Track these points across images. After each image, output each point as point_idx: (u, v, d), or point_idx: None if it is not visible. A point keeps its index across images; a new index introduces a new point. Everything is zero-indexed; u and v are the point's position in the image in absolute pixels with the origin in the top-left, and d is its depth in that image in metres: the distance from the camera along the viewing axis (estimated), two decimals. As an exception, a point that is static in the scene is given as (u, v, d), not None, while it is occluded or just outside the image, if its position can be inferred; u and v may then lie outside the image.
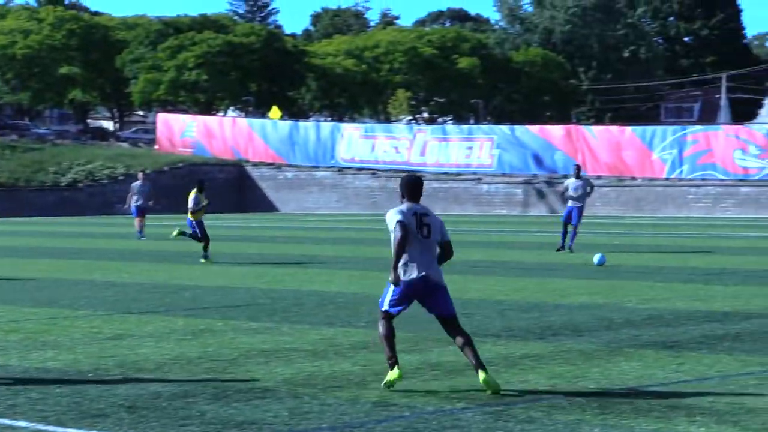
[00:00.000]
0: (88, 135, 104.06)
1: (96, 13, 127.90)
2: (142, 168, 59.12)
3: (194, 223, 33.37)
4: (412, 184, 13.38)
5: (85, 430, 11.16)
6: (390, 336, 13.21)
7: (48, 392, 13.05)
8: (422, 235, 13.12)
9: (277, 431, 11.11)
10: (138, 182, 46.47)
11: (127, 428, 11.23)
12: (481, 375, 12.80)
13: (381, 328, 13.26)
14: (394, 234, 12.99)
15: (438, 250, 13.28)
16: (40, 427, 11.30)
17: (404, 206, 13.24)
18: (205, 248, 32.80)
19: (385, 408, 12.15)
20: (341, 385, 13.46)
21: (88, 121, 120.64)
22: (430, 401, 12.49)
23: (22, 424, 11.43)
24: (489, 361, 14.98)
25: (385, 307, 13.21)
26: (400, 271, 13.01)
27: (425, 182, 60.35)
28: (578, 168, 38.17)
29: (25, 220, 64.14)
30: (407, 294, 13.12)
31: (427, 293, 13.16)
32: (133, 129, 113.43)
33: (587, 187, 36.92)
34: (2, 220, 62.97)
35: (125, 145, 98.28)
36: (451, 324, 13.27)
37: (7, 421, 11.53)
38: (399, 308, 13.19)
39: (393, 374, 12.92)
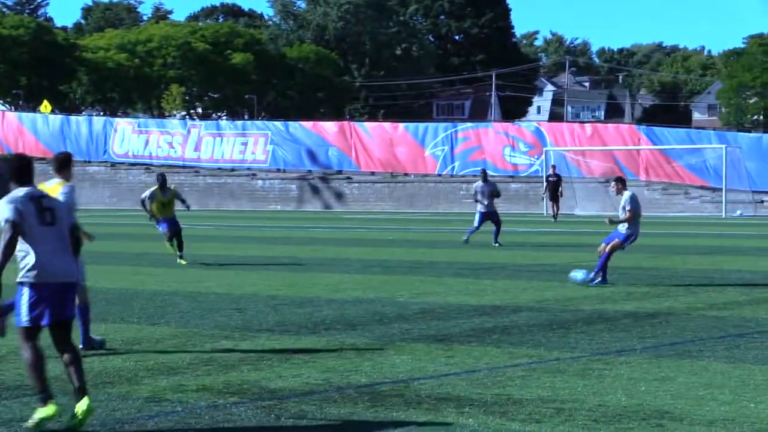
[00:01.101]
0: None
1: None
2: None
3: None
4: (21, 165, 11.04)
5: None
6: (38, 363, 10.92)
7: None
8: (45, 222, 10.94)
9: (46, 429, 10.93)
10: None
11: None
12: (84, 403, 10.82)
13: (25, 353, 10.94)
14: (3, 234, 10.70)
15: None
16: None
17: (18, 192, 10.89)
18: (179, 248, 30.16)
19: (157, 404, 12.05)
20: (112, 381, 13.31)
21: None
22: (203, 396, 12.44)
23: None
24: (262, 357, 15.02)
25: (25, 323, 10.92)
26: (28, 273, 10.83)
27: (200, 178, 59.81)
28: (485, 172, 39.49)
29: None
30: (44, 296, 10.89)
31: (62, 291, 11.05)
32: None
33: (494, 190, 38.41)
34: None
35: None
36: (65, 330, 11.14)
37: None
38: (44, 318, 10.92)
39: (46, 411, 10.76)
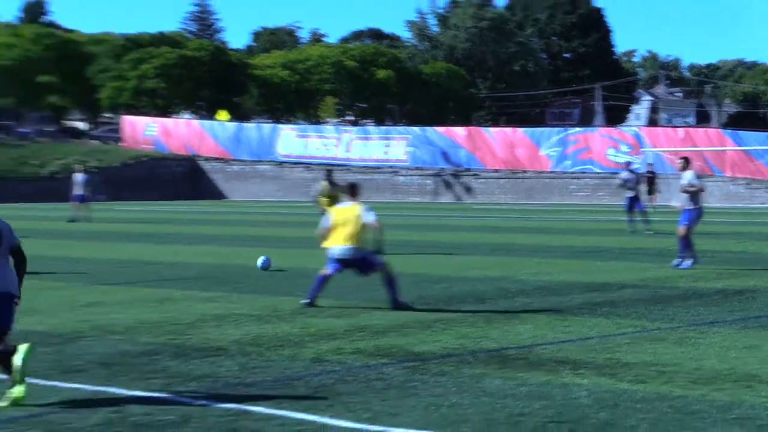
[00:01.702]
0: (63, 134, 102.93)
1: (69, 30, 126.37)
2: (81, 164, 58.41)
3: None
4: None
5: (66, 382, 11.07)
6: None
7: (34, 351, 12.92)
8: None
9: (230, 383, 11.07)
10: (78, 175, 47.08)
11: (102, 381, 11.15)
12: (20, 389, 10.04)
13: None
14: None
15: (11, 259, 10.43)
16: (28, 380, 11.18)
17: None
18: None
19: (320, 363, 12.14)
20: (283, 344, 13.44)
21: (64, 122, 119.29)
22: (358, 358, 12.50)
23: (12, 378, 11.31)
24: (406, 325, 15.05)
25: None
26: None
27: (351, 174, 59.96)
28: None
29: (10, 206, 63.39)
30: None
31: None
32: (103, 129, 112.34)
33: (637, 178, 39.09)
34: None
35: (96, 142, 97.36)
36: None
37: (1, 376, 11.41)
38: None
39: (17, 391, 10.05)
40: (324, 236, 17.04)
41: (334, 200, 27.66)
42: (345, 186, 17.61)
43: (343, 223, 16.78)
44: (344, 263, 16.92)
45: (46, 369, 11.78)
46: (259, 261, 23.29)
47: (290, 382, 11.10)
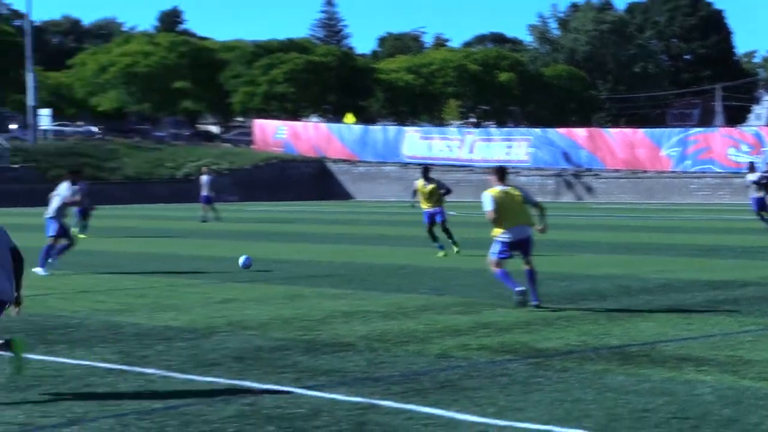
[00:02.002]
0: (197, 137, 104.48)
1: (203, 38, 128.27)
2: (207, 166, 58.90)
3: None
4: None
5: (202, 376, 11.21)
6: None
7: (171, 346, 13.12)
8: None
9: (358, 378, 11.11)
10: (204, 177, 47.45)
11: (235, 375, 11.27)
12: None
13: None
14: None
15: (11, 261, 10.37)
16: (166, 373, 11.36)
17: None
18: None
19: (445, 359, 12.11)
20: (409, 340, 13.44)
21: (198, 126, 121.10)
22: (483, 354, 12.45)
23: (151, 371, 11.50)
24: (530, 322, 14.95)
25: None
26: None
27: (474, 175, 59.46)
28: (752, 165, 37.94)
29: (147, 206, 64.56)
30: None
31: None
32: (234, 132, 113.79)
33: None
34: (129, 207, 63.40)
35: (228, 145, 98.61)
36: None
37: (139, 369, 11.61)
38: None
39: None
40: (494, 219, 16.50)
41: (431, 197, 26.92)
42: (493, 169, 17.32)
43: (510, 206, 16.42)
44: (513, 246, 16.47)
45: (183, 363, 11.95)
46: (241, 260, 22.81)
47: (416, 377, 11.10)
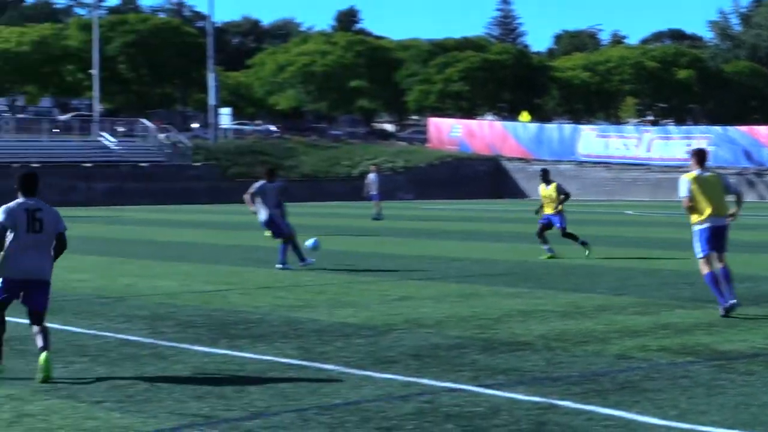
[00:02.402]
0: (373, 135, 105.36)
1: (379, 37, 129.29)
2: (377, 164, 58.97)
3: None
4: (26, 178, 11.35)
5: (380, 373, 11.28)
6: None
7: (349, 342, 13.25)
8: (34, 230, 11.07)
9: (536, 377, 11.04)
10: (372, 175, 47.74)
11: (413, 372, 11.31)
12: (42, 356, 10.92)
13: None
14: None
15: (54, 242, 11.32)
16: (345, 369, 11.47)
17: (14, 203, 11.23)
18: None
19: (625, 360, 11.95)
20: (587, 340, 13.30)
21: (373, 124, 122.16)
22: (663, 355, 12.23)
23: (330, 366, 11.63)
24: (712, 323, 14.62)
25: None
26: (4, 267, 11.12)
27: (651, 174, 58.53)
28: None
29: (323, 204, 65.38)
30: (9, 288, 11.17)
31: (25, 289, 11.20)
32: (409, 130, 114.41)
33: None
34: (306, 204, 64.32)
35: (403, 143, 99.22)
36: (36, 318, 11.30)
37: (318, 365, 11.75)
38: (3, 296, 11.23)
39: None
40: (689, 207, 15.49)
41: (551, 201, 26.13)
42: (693, 152, 16.19)
43: (707, 192, 15.44)
44: (714, 236, 15.48)
45: (361, 359, 12.05)
46: (309, 242, 23.31)
47: (596, 378, 10.97)
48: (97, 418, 9.30)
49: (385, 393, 10.31)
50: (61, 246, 11.30)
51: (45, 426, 9.04)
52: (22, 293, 11.18)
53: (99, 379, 10.95)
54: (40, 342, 11.04)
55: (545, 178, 26.47)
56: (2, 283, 11.14)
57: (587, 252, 25.38)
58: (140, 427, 9.02)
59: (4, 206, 11.24)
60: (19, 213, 11.10)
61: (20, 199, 11.20)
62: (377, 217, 45.21)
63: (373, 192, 47.03)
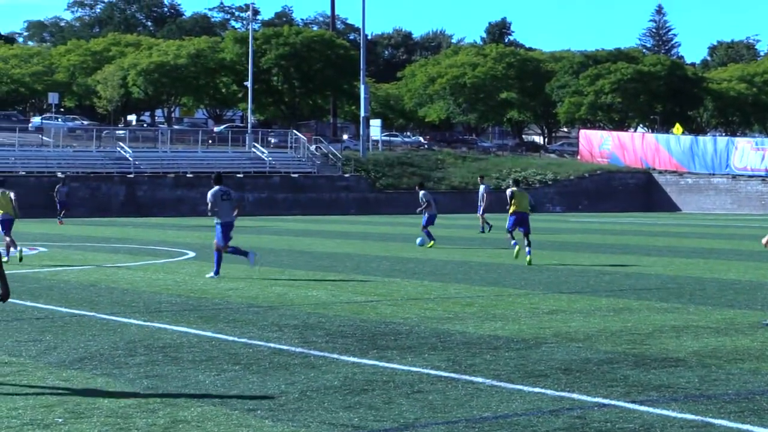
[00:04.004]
0: (522, 147, 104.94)
1: (530, 49, 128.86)
2: (483, 175, 55.37)
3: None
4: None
5: (530, 386, 11.19)
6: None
7: (498, 355, 13.17)
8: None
9: (690, 394, 10.81)
10: (482, 187, 44.74)
11: (563, 387, 11.19)
12: None
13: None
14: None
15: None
16: (494, 383, 11.41)
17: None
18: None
19: (783, 379, 11.62)
20: (743, 358, 12.98)
21: (523, 136, 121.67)
22: (823, 375, 11.85)
23: (479, 379, 11.58)
24: None
25: None
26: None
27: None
28: None
29: (469, 216, 65.29)
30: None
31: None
32: (559, 143, 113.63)
33: None
34: (454, 216, 64.32)
35: (553, 156, 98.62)
36: None
37: (467, 377, 11.71)
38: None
39: None
40: None
41: None
42: None
43: None
44: None
45: (510, 372, 11.97)
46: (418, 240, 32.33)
47: (752, 396, 10.70)
48: (250, 425, 9.41)
49: (534, 407, 10.21)
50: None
51: (198, 432, 9.19)
52: None
53: (251, 387, 11.09)
54: None
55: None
56: None
57: None
58: (291, 435, 9.10)
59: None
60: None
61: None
62: (489, 226, 43.66)
63: (481, 203, 44.35)
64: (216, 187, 23.89)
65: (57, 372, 11.91)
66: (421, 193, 36.02)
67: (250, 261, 24.15)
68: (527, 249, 27.66)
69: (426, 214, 35.37)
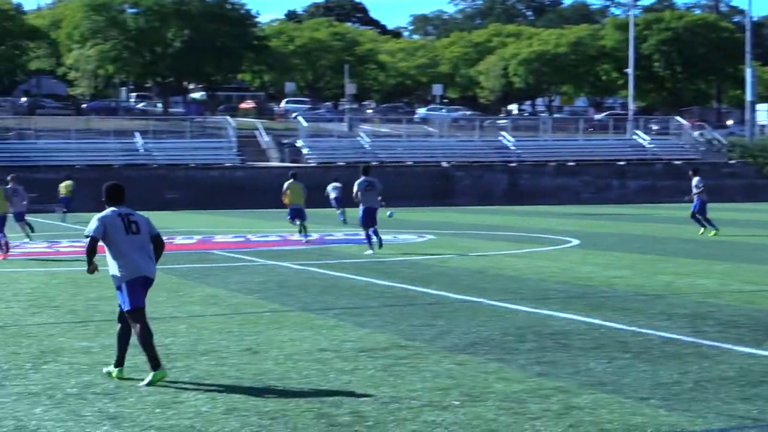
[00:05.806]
0: None
1: None
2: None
3: None
4: (112, 190, 11.32)
5: None
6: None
7: None
8: (131, 231, 11.17)
9: None
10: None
11: None
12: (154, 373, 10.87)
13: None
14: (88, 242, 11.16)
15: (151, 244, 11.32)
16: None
17: (107, 211, 11.24)
18: None
19: None
20: None
21: None
22: None
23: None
24: None
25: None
26: (121, 270, 11.06)
27: None
28: None
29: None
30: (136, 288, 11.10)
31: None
32: None
33: None
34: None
35: None
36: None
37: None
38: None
39: (157, 374, 10.88)
40: None
41: None
42: None
43: None
44: None
45: None
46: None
47: None
48: (644, 414, 9.30)
49: None
50: (160, 248, 11.47)
51: (592, 419, 9.16)
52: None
53: (642, 376, 10.96)
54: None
55: None
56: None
57: None
58: (687, 426, 8.92)
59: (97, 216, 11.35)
60: (114, 218, 11.26)
61: (110, 209, 11.35)
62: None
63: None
64: (362, 178, 27.23)
65: (451, 356, 12.21)
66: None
67: (373, 246, 26.75)
68: None
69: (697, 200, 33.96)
